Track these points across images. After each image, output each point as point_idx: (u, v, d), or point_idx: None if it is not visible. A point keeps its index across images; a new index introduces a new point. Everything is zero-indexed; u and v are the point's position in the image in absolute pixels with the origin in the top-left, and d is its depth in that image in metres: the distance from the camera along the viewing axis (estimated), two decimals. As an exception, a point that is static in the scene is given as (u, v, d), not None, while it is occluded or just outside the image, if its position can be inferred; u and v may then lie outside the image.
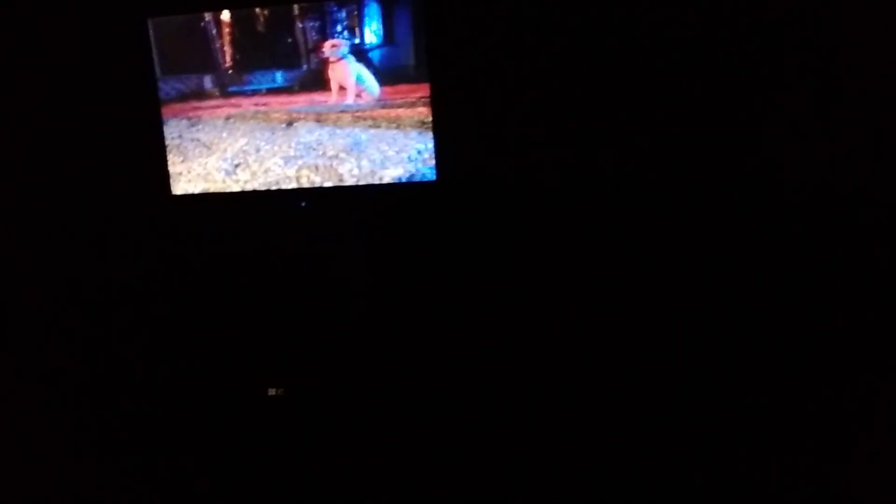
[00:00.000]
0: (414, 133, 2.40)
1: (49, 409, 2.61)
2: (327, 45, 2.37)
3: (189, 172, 2.57)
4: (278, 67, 2.44)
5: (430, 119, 2.38)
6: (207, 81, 2.49)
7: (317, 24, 2.37)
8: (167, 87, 2.52)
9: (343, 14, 2.35)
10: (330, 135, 2.46)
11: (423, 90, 2.36)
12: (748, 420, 2.26)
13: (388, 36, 2.35)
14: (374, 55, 2.37)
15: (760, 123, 2.30)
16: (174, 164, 2.57)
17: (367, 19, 2.34)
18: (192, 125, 2.54)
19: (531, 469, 2.23)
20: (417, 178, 2.44)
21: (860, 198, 2.25)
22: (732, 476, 2.14)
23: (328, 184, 2.50)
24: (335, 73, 2.40)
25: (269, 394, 2.56)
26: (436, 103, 2.36)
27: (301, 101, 2.45)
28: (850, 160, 2.24)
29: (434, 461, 2.29)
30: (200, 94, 2.50)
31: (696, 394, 2.33)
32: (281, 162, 2.51)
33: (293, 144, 2.49)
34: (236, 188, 2.55)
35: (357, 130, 2.44)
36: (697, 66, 2.28)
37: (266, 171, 2.52)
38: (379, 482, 2.24)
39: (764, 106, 2.28)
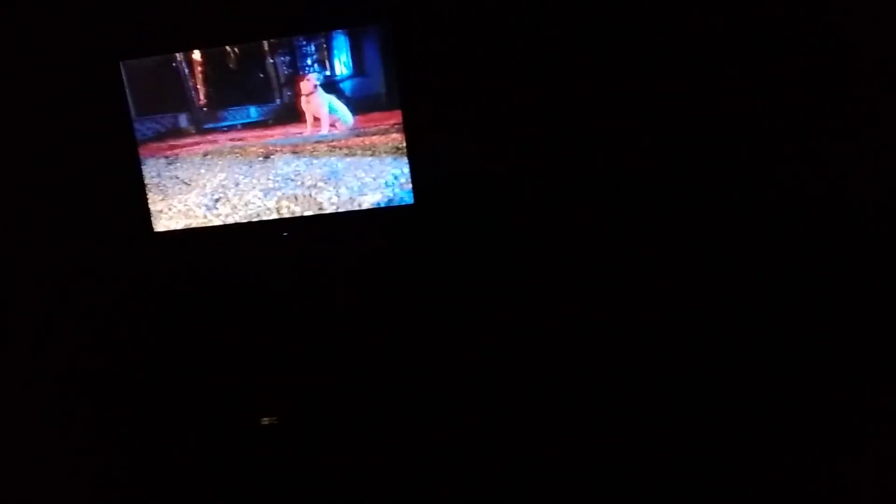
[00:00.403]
0: (389, 159, 2.45)
1: (43, 448, 2.62)
2: (304, 81, 2.42)
3: (170, 210, 2.60)
4: (252, 102, 2.48)
5: (405, 144, 2.43)
6: (183, 120, 2.52)
7: (287, 58, 2.42)
8: (143, 127, 2.55)
9: (312, 48, 2.40)
10: (307, 165, 2.50)
11: (396, 117, 2.41)
12: (748, 420, 2.30)
13: (358, 67, 2.40)
14: (346, 86, 2.42)
15: (756, 123, 2.34)
16: (154, 203, 2.61)
17: (336, 52, 2.39)
18: (170, 163, 2.57)
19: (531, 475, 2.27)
20: (396, 202, 2.49)
21: (860, 198, 2.30)
22: (732, 476, 2.17)
23: (308, 213, 2.54)
24: (309, 106, 2.44)
25: (263, 423, 2.59)
26: (408, 129, 2.42)
27: (276, 133, 2.49)
28: (850, 160, 2.29)
29: (423, 487, 2.32)
30: (177, 133, 2.54)
31: (696, 394, 2.38)
32: (260, 194, 2.55)
33: (271, 176, 2.53)
34: (218, 222, 2.59)
35: (333, 159, 2.48)
36: (682, 76, 2.34)
37: (246, 204, 2.56)
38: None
39: (760, 105, 2.33)
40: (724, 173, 2.38)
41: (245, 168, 2.53)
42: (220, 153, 2.54)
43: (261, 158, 2.52)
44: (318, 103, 2.43)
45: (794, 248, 2.37)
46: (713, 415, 2.33)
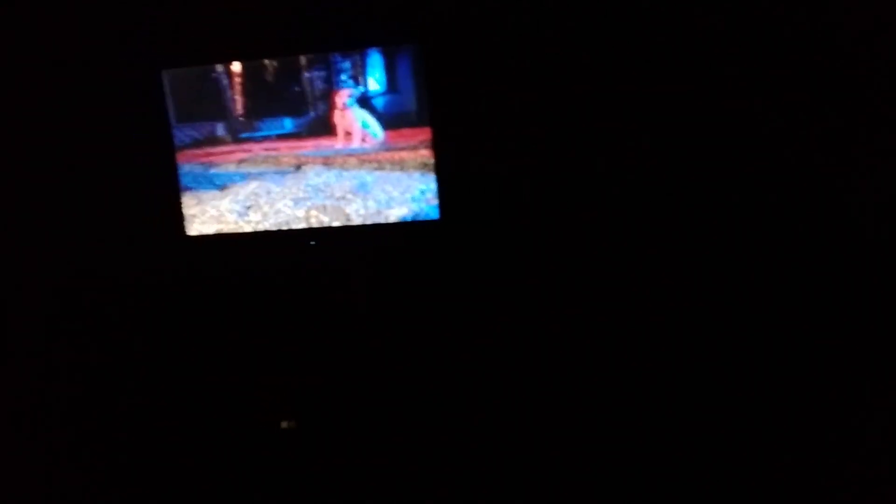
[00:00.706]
0: (417, 174, 2.51)
1: (62, 450, 2.71)
2: (339, 95, 2.49)
3: (203, 214, 2.69)
4: (287, 114, 2.55)
5: (433, 161, 2.48)
6: (220, 128, 2.61)
7: (322, 73, 2.49)
8: (181, 133, 2.63)
9: (347, 64, 2.47)
10: (337, 177, 2.57)
11: (425, 134, 2.47)
12: (747, 420, 2.31)
13: (391, 83, 2.46)
14: (378, 102, 2.48)
15: (764, 124, 2.35)
16: (188, 207, 2.69)
17: (370, 69, 2.45)
18: (206, 169, 2.65)
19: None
20: (421, 217, 2.54)
21: (858, 198, 2.30)
22: (732, 476, 2.18)
23: (336, 223, 2.60)
24: (342, 120, 2.51)
25: (282, 426, 2.64)
26: (437, 146, 2.47)
27: (309, 145, 2.56)
28: (850, 160, 2.29)
29: (442, 489, 2.36)
30: (213, 141, 2.62)
31: (696, 394, 2.40)
32: (291, 203, 2.62)
33: (302, 186, 2.60)
34: (248, 229, 2.66)
35: (363, 173, 2.54)
36: (698, 79, 2.36)
37: (277, 213, 2.63)
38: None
39: (764, 107, 2.34)
40: (745, 174, 2.39)
41: (277, 177, 2.61)
42: (254, 162, 2.61)
43: (293, 169, 2.59)
44: (352, 118, 2.50)
45: (794, 248, 2.37)
46: (713, 415, 2.34)
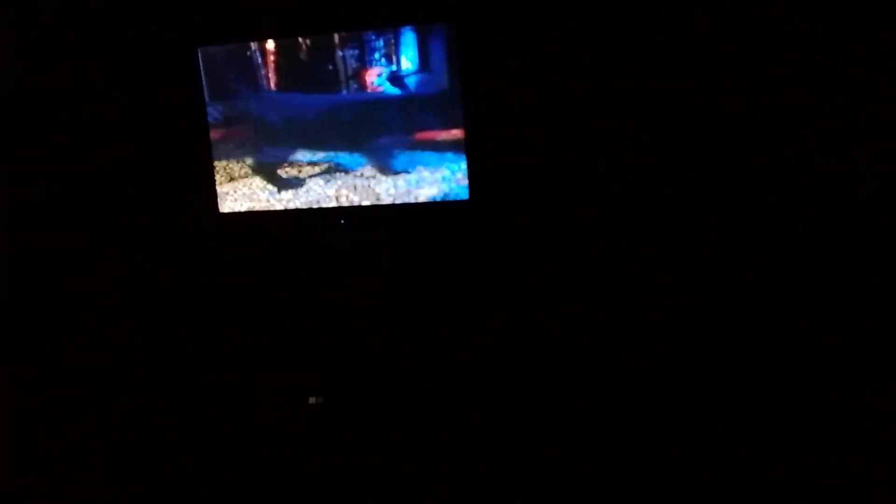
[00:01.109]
0: (449, 154, 2.51)
1: (92, 407, 2.77)
2: (371, 73, 2.50)
3: (235, 192, 2.72)
4: (319, 93, 2.57)
5: (464, 140, 2.48)
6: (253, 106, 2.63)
7: (356, 52, 2.50)
8: (215, 111, 2.66)
9: (381, 42, 2.47)
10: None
11: (457, 113, 2.46)
12: (747, 420, 2.30)
13: (424, 63, 2.46)
14: (410, 81, 2.48)
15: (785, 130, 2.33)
16: (221, 184, 2.72)
17: (403, 48, 2.46)
18: (239, 147, 2.68)
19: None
20: (451, 198, 2.54)
21: (856, 198, 2.28)
22: (732, 476, 2.17)
23: (366, 202, 2.62)
24: (374, 98, 2.52)
25: (310, 402, 2.68)
26: (468, 126, 2.47)
27: (341, 124, 2.58)
28: (850, 160, 2.27)
29: (464, 467, 2.38)
30: (247, 119, 2.65)
31: (697, 394, 2.39)
32: (322, 182, 2.64)
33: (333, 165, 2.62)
34: (279, 207, 2.69)
35: (394, 151, 2.55)
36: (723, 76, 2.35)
37: (308, 191, 2.65)
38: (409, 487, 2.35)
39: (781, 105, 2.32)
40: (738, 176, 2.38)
41: (309, 156, 2.62)
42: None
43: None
44: (383, 97, 2.50)
45: (794, 249, 2.35)
46: (712, 415, 2.33)
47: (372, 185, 2.60)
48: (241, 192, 2.71)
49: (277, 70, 2.58)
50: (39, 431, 2.74)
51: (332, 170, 2.62)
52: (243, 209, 2.72)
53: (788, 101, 2.30)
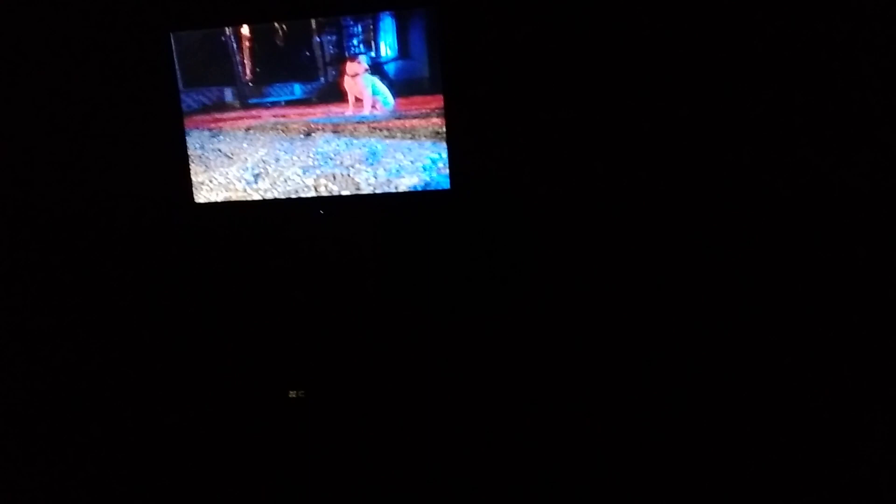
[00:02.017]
0: (428, 143, 2.47)
1: (68, 408, 2.72)
2: (352, 62, 2.45)
3: (211, 182, 2.66)
4: (296, 80, 2.51)
5: (444, 130, 2.44)
6: (228, 94, 2.57)
7: (333, 38, 2.44)
8: (189, 99, 2.59)
9: (359, 28, 2.41)
10: (347, 145, 2.53)
11: (437, 102, 2.42)
12: (746, 420, 2.30)
13: (403, 49, 2.41)
14: (390, 68, 2.43)
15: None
16: (196, 174, 2.66)
17: (382, 34, 2.40)
18: (214, 136, 2.62)
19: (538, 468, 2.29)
20: (432, 187, 2.50)
21: (854, 198, 2.28)
22: (732, 476, 2.18)
23: (346, 192, 2.57)
24: (352, 86, 2.46)
25: (290, 396, 2.64)
26: (449, 114, 2.42)
27: (319, 112, 2.52)
28: (850, 160, 2.27)
29: (449, 460, 2.36)
30: (221, 106, 2.58)
31: (700, 394, 2.39)
32: (300, 171, 2.58)
33: (311, 154, 2.56)
34: (257, 197, 2.63)
35: (373, 141, 2.51)
36: (704, 72, 2.33)
37: (286, 181, 2.60)
38: (391, 482, 2.32)
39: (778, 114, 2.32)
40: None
41: (286, 145, 2.57)
42: (263, 129, 2.57)
43: (302, 136, 2.55)
44: (362, 84, 2.45)
45: (795, 249, 2.36)
46: (712, 415, 2.33)
47: (352, 174, 2.55)
48: (218, 182, 2.65)
49: (253, 57, 2.51)
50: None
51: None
52: (219, 199, 2.66)
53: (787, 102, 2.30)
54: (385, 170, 2.52)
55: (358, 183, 2.55)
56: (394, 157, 2.51)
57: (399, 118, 2.47)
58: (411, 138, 2.48)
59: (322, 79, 2.49)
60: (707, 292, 2.42)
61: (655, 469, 2.25)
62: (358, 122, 2.51)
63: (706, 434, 2.31)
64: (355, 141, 2.52)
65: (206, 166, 2.65)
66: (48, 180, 2.77)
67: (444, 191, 2.50)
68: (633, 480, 2.22)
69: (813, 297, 2.33)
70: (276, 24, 2.47)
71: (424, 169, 2.49)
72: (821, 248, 2.32)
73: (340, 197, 2.58)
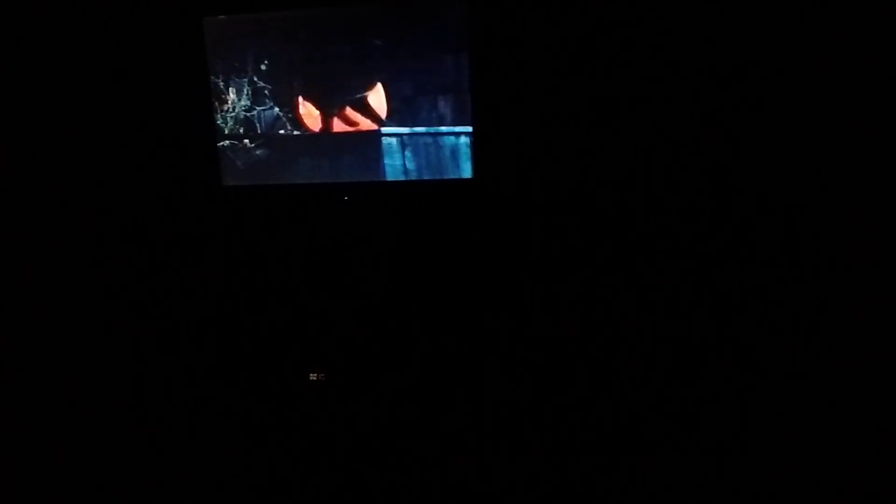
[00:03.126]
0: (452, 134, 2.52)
1: (99, 387, 2.74)
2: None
3: (239, 165, 2.69)
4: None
5: (471, 119, 2.50)
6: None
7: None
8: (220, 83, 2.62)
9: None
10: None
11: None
12: (746, 420, 2.35)
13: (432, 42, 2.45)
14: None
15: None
16: (225, 157, 2.69)
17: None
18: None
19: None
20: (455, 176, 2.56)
21: (852, 199, 2.33)
22: (732, 476, 2.21)
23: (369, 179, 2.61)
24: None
25: (310, 378, 2.67)
26: (476, 106, 2.49)
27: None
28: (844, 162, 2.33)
29: (467, 448, 2.40)
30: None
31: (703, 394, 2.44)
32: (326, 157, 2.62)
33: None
34: (283, 181, 2.66)
35: (399, 129, 2.55)
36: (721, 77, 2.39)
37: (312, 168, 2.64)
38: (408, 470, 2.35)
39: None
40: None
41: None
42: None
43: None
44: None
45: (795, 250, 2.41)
46: (712, 415, 2.37)
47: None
48: (245, 166, 2.68)
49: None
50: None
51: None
52: (246, 183, 2.70)
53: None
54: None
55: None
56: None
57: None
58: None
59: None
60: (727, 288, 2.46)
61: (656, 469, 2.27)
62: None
63: (706, 433, 2.34)
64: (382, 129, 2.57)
65: (233, 150, 2.68)
66: (74, 164, 2.78)
67: (466, 180, 2.55)
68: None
69: (812, 296, 2.38)
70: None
71: (449, 158, 2.53)
72: (820, 247, 2.38)
73: (365, 183, 2.62)
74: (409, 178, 2.57)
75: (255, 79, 2.56)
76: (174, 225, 2.77)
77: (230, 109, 2.61)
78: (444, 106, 2.49)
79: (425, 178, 2.57)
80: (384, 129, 2.54)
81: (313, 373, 2.67)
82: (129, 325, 2.78)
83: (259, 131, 2.62)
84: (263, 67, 2.55)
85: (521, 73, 2.49)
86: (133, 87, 2.70)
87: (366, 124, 2.53)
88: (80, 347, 2.76)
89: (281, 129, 2.60)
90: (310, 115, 2.57)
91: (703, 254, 2.46)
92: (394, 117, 2.52)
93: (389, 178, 2.58)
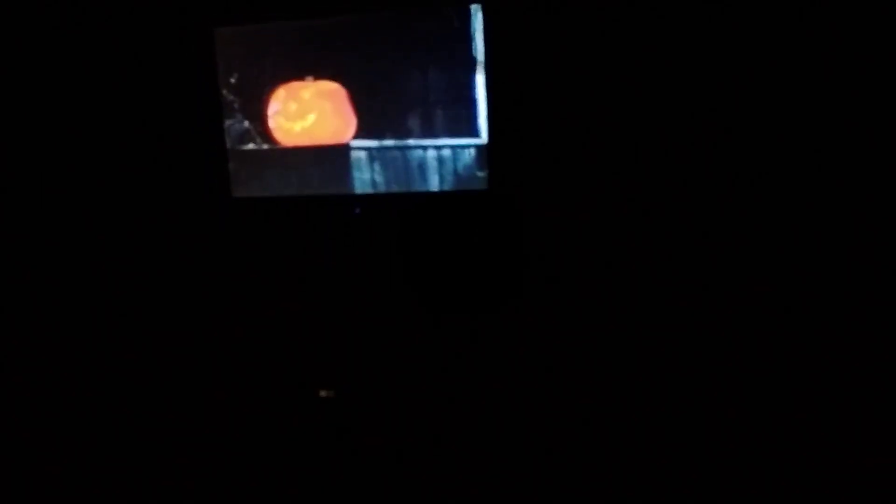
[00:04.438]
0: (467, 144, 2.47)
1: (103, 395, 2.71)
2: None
3: (249, 176, 2.66)
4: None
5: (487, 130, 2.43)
6: (268, 89, 2.58)
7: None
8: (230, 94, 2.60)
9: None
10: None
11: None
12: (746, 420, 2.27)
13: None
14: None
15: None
16: (234, 169, 2.67)
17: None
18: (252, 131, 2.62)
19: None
20: (469, 187, 2.49)
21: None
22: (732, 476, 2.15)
23: (381, 191, 2.56)
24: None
25: (321, 395, 2.63)
26: (491, 116, 2.41)
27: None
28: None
29: (479, 461, 2.33)
30: (261, 101, 2.59)
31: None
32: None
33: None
34: (293, 192, 2.63)
35: (410, 141, 2.51)
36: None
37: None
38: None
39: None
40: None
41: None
42: (301, 125, 2.58)
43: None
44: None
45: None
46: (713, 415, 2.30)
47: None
48: (255, 176, 2.65)
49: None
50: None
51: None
52: (256, 194, 2.67)
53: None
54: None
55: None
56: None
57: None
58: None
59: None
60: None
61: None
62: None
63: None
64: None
65: (243, 160, 2.65)
66: (85, 171, 2.78)
67: (481, 191, 2.49)
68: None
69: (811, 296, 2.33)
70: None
71: (464, 168, 2.48)
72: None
73: (376, 195, 2.57)
74: (378, 192, 2.54)
75: (225, 92, 2.54)
76: (183, 235, 2.75)
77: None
78: (412, 119, 2.43)
79: (394, 190, 2.52)
80: (353, 143, 2.48)
81: (323, 390, 2.62)
82: (138, 334, 2.76)
83: (228, 146, 2.60)
84: (233, 81, 2.52)
85: (532, 94, 2.41)
86: (144, 94, 2.71)
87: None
88: (83, 351, 2.76)
89: (250, 143, 2.57)
90: (279, 128, 2.52)
91: (710, 253, 2.41)
92: (363, 129, 2.47)
93: (358, 191, 2.52)
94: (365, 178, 2.49)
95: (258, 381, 2.69)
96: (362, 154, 2.47)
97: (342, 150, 2.49)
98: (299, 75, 2.45)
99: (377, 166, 2.47)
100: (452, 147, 2.44)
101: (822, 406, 2.19)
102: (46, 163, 2.78)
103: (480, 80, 2.37)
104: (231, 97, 2.55)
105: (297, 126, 2.48)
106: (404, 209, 2.58)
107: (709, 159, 2.36)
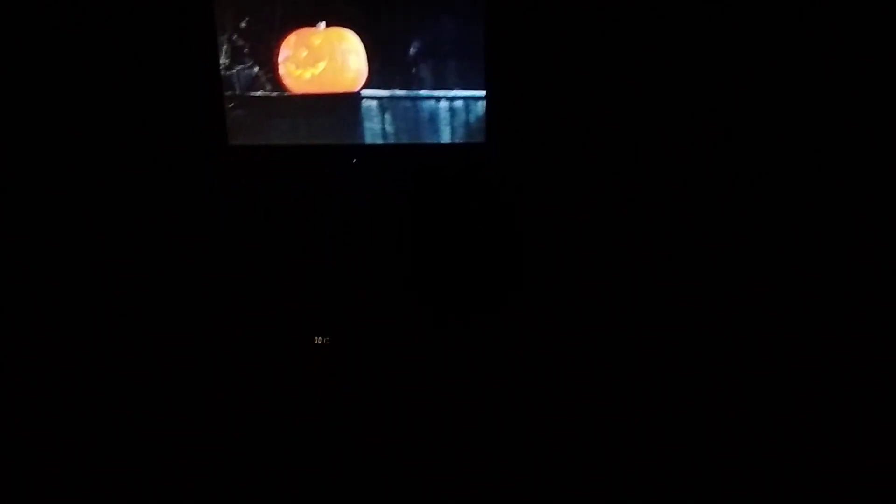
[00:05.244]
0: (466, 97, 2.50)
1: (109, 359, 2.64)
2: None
3: (247, 123, 2.63)
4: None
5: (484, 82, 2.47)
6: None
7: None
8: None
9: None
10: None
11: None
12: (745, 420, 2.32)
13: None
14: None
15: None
16: (231, 116, 2.63)
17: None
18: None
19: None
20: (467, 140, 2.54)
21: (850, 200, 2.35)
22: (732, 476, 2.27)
23: (379, 141, 2.58)
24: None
25: (315, 342, 2.65)
26: (490, 72, 2.45)
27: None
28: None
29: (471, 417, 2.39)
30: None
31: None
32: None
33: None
34: (291, 141, 2.62)
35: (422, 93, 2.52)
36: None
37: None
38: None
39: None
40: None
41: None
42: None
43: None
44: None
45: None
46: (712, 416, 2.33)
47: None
48: (253, 124, 2.63)
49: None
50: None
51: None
52: (253, 142, 2.65)
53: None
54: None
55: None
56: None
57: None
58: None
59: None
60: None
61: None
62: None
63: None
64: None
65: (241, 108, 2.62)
66: (83, 123, 2.68)
67: (479, 144, 2.53)
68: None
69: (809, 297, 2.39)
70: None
71: (462, 122, 2.51)
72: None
73: (375, 146, 2.58)
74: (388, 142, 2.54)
75: (235, 37, 2.50)
76: (179, 182, 2.71)
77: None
78: (424, 69, 2.44)
79: (403, 141, 2.54)
80: (364, 92, 2.48)
81: (318, 336, 2.64)
82: (134, 281, 2.75)
83: (236, 92, 2.56)
84: (243, 25, 2.49)
85: (534, 45, 2.43)
86: (141, 42, 2.63)
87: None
88: (95, 308, 2.72)
89: (260, 90, 2.55)
90: (289, 75, 2.51)
91: (710, 253, 2.47)
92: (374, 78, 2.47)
93: (368, 141, 2.53)
94: (375, 128, 2.50)
95: (253, 328, 2.66)
96: (373, 103, 2.48)
97: (353, 99, 2.50)
98: (311, 21, 2.43)
99: (388, 116, 2.48)
100: (464, 98, 2.46)
101: (822, 406, 2.20)
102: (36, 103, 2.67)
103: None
104: (241, 42, 2.50)
105: (308, 73, 2.47)
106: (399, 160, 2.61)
107: (709, 159, 2.42)
